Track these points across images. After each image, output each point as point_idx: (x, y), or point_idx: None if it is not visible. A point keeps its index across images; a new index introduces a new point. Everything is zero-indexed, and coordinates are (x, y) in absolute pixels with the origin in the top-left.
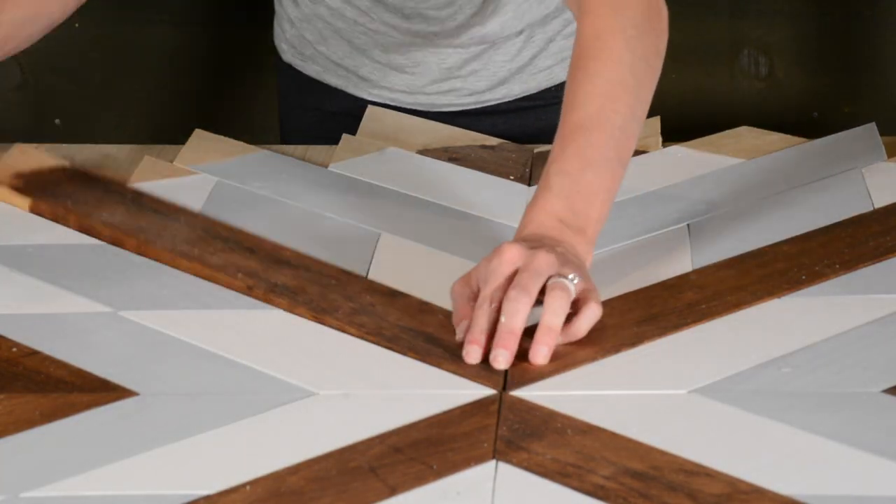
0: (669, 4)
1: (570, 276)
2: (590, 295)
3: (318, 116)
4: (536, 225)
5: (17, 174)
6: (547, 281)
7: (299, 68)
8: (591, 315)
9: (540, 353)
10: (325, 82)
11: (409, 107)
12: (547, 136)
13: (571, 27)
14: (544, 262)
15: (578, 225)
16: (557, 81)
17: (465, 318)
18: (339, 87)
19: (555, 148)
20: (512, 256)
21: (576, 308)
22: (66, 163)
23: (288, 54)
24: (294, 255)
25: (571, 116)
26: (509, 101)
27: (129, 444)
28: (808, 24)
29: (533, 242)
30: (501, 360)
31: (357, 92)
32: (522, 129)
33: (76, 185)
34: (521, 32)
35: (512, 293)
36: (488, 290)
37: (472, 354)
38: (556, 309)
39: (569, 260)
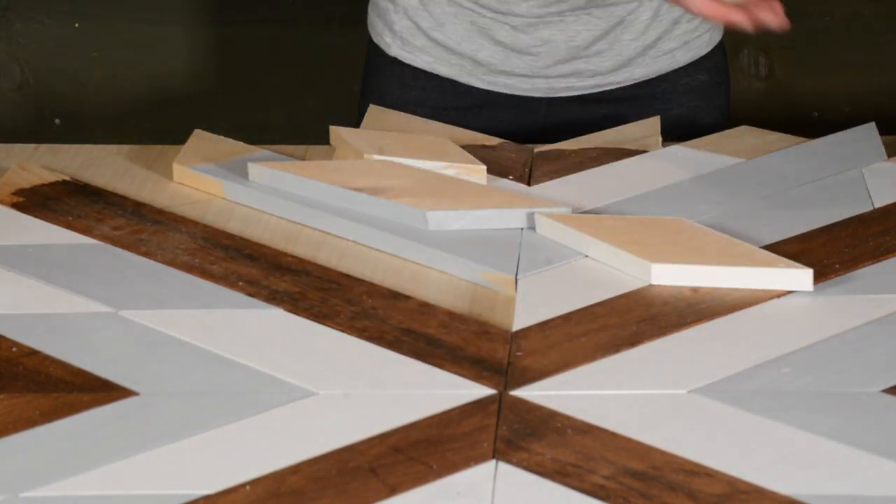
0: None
1: None
2: None
3: (424, 113)
4: None
5: (18, 191)
6: None
7: (407, 61)
8: None
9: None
10: (435, 73)
11: (524, 94)
12: (664, 128)
13: None
14: None
15: None
16: (678, 65)
17: None
18: (451, 76)
19: None
20: None
21: None
22: (65, 177)
23: (394, 48)
24: (295, 261)
25: None
26: (627, 87)
27: (129, 444)
28: (808, 24)
29: None
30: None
31: (470, 80)
32: (639, 117)
33: (77, 199)
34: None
35: None
36: None
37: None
38: None
39: None
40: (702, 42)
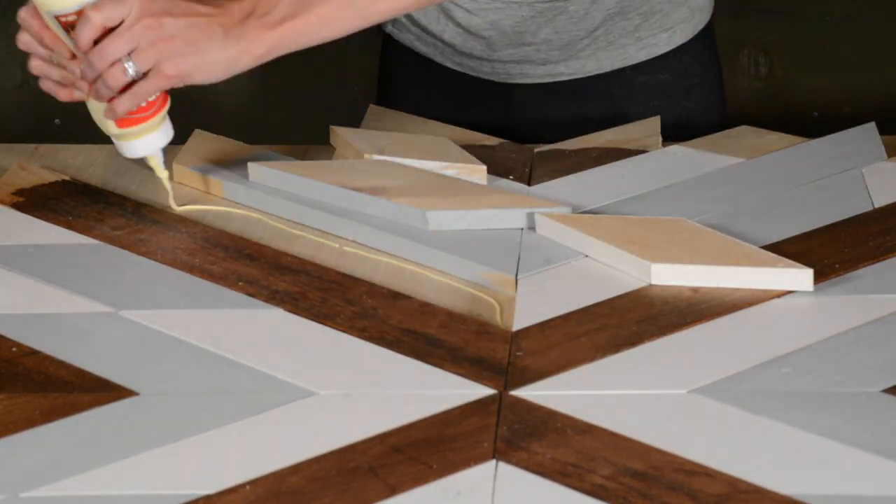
0: None
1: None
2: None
3: (409, 92)
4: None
5: (18, 191)
6: None
7: (395, 37)
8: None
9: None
10: (417, 50)
11: (486, 77)
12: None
13: (649, 4)
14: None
15: None
16: (632, 62)
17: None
18: (428, 55)
19: None
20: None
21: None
22: (65, 177)
23: (388, 24)
24: (295, 261)
25: None
26: (581, 80)
27: (129, 444)
28: (808, 24)
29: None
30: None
31: (444, 61)
32: (599, 112)
33: (77, 199)
34: None
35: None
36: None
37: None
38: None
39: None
40: (658, 41)
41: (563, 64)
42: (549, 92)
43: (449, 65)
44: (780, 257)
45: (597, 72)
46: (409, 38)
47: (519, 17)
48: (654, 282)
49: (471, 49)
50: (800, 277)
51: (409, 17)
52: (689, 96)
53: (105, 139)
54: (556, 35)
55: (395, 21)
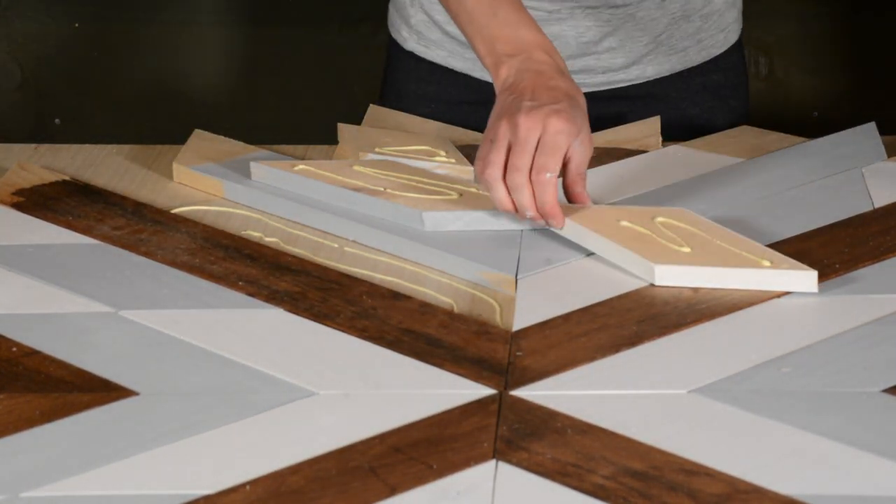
0: None
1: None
2: (577, 135)
3: (439, 108)
4: (507, 73)
5: (18, 191)
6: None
7: (423, 55)
8: (579, 153)
9: (579, 196)
10: (450, 67)
11: None
12: (674, 130)
13: (710, 6)
14: (559, 133)
15: (528, 44)
16: (692, 64)
17: (507, 201)
18: (465, 70)
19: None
20: (532, 124)
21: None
22: (65, 177)
23: (411, 42)
24: (295, 261)
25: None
26: (639, 85)
27: (129, 444)
28: (808, 24)
29: (521, 87)
30: (555, 223)
31: (484, 75)
32: (653, 115)
33: (77, 199)
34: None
35: (541, 178)
36: (522, 166)
37: (536, 222)
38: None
39: (572, 115)
40: (716, 41)
41: (622, 71)
42: (603, 99)
43: (490, 78)
44: (783, 257)
45: (656, 76)
46: (440, 55)
47: (583, 26)
48: (657, 283)
49: None
50: (804, 279)
51: (444, 32)
52: (736, 95)
53: (105, 139)
54: (621, 43)
55: (421, 37)
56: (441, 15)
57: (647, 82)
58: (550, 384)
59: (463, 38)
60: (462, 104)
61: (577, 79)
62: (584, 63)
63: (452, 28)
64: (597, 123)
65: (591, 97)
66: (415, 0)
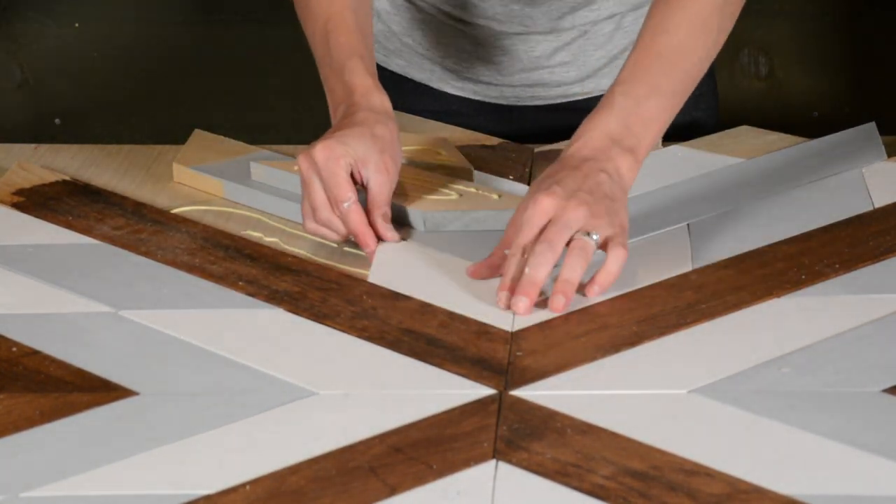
0: None
1: (594, 235)
2: (616, 240)
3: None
4: (585, 141)
5: (18, 191)
6: (573, 235)
7: (383, 64)
8: (615, 259)
9: (557, 302)
10: (409, 77)
11: (492, 101)
12: None
13: None
14: (573, 217)
15: (630, 144)
16: None
17: (495, 267)
18: (423, 81)
19: (626, 69)
20: (546, 207)
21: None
22: (65, 177)
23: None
24: (295, 261)
25: (654, 42)
26: (598, 97)
27: (129, 444)
28: (808, 24)
29: (575, 165)
30: (521, 306)
31: (441, 86)
32: None
33: (77, 199)
34: (612, 17)
35: (538, 248)
36: (521, 241)
37: (502, 300)
38: (573, 266)
39: (600, 210)
40: None
41: (577, 85)
42: (559, 110)
43: (449, 90)
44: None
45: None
46: (399, 65)
47: (533, 41)
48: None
49: (477, 75)
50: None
51: (402, 42)
52: (698, 106)
53: (105, 139)
54: (574, 58)
55: (380, 46)
56: (398, 25)
57: (602, 95)
58: (550, 384)
59: (419, 49)
60: (423, 112)
61: (529, 93)
62: (538, 76)
63: (409, 39)
64: (556, 135)
65: (547, 109)
66: (374, 10)
